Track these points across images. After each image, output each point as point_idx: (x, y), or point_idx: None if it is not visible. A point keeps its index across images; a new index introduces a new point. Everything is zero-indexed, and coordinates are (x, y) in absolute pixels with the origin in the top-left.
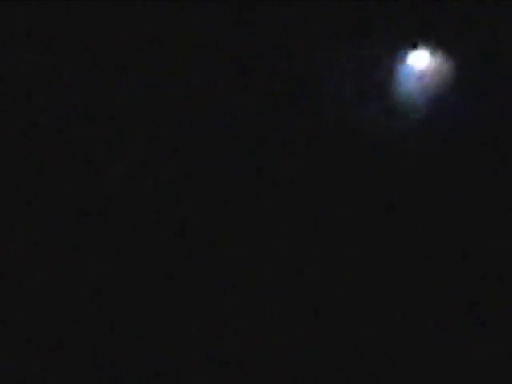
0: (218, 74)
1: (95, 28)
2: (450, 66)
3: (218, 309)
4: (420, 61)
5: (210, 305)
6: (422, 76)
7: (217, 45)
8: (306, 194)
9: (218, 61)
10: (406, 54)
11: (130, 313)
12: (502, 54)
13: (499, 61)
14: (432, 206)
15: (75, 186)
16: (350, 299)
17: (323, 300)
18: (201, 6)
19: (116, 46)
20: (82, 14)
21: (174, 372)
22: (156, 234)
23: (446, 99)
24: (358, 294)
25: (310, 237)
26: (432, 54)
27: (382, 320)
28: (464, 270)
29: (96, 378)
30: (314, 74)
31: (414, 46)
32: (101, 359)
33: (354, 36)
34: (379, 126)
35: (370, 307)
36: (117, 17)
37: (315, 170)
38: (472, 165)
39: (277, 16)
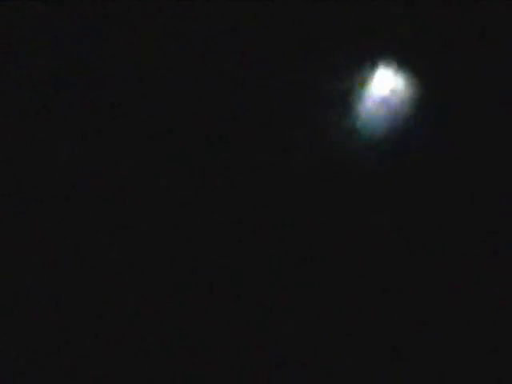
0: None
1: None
2: (415, 87)
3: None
4: (383, 83)
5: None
6: (385, 99)
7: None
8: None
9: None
10: (368, 75)
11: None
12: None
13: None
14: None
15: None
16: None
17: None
18: None
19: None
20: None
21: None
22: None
23: (410, 122)
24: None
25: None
26: (395, 74)
27: (380, 320)
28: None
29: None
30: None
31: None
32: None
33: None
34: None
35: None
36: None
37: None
38: (433, 190)
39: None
